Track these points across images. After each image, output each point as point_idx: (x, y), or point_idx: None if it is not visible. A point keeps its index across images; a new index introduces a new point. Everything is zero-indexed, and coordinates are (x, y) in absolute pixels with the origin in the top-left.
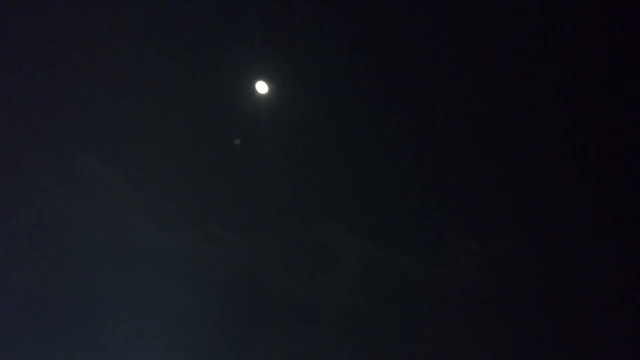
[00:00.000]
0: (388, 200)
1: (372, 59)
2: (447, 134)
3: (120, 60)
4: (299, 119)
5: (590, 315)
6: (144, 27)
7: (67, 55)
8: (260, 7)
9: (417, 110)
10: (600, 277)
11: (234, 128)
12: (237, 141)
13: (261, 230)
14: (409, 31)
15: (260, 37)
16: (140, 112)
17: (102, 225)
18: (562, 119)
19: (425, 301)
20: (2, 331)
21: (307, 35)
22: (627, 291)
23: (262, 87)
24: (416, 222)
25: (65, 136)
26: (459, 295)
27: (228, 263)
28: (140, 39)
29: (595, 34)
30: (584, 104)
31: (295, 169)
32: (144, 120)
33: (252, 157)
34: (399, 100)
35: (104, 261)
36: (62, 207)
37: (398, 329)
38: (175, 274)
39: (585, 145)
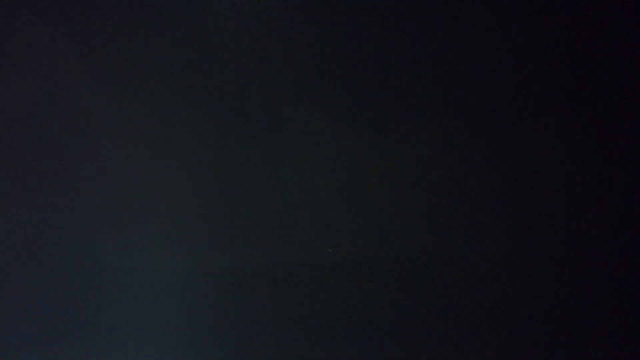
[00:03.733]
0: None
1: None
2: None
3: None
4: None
5: (584, 303)
6: None
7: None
8: None
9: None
10: (595, 265)
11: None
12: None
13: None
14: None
15: None
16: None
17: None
18: (555, 107)
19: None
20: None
21: None
22: (624, 280)
23: None
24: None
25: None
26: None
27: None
28: None
29: (596, 34)
30: (583, 96)
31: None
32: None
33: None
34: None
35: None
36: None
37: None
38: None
39: (579, 127)
